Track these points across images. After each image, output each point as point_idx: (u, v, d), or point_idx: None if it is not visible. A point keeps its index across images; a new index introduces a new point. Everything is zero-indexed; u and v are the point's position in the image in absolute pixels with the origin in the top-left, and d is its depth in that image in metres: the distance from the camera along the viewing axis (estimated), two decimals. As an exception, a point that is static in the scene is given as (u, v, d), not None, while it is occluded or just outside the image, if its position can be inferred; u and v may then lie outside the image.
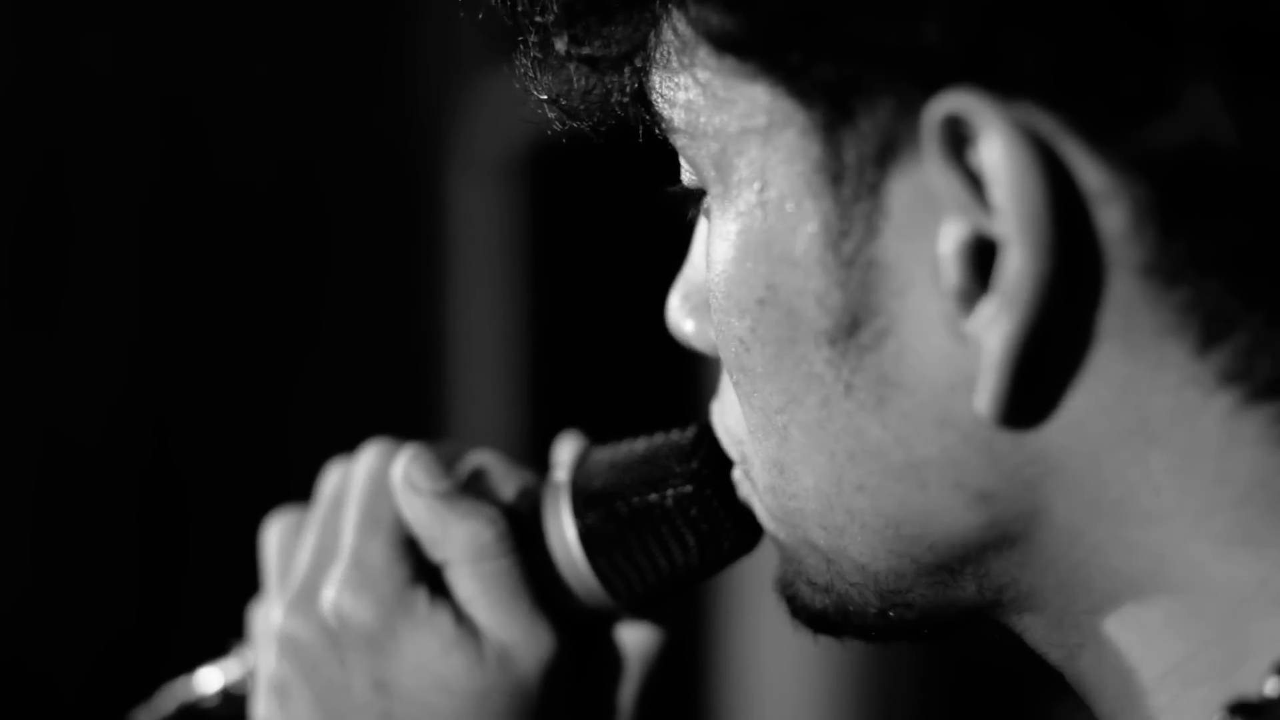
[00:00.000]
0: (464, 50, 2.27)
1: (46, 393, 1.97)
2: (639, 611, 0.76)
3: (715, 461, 0.69)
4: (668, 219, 0.68)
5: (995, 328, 0.51)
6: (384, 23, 2.25)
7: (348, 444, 0.80)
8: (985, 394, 0.52)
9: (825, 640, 0.65)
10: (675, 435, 0.72)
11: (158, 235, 2.06)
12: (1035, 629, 0.59)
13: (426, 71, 2.28)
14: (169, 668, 0.86)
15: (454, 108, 2.28)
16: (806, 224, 0.54)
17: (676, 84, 0.58)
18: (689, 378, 0.64)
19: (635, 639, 0.78)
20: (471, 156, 2.31)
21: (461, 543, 0.73)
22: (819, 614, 0.63)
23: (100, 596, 2.00)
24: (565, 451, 0.77)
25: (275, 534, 0.79)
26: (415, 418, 2.27)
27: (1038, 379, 0.52)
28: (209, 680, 0.83)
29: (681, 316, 0.68)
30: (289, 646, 0.74)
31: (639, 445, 0.73)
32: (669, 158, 0.63)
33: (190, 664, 0.85)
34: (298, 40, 2.18)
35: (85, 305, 2.00)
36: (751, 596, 2.12)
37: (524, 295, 2.34)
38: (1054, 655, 0.59)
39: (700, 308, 0.67)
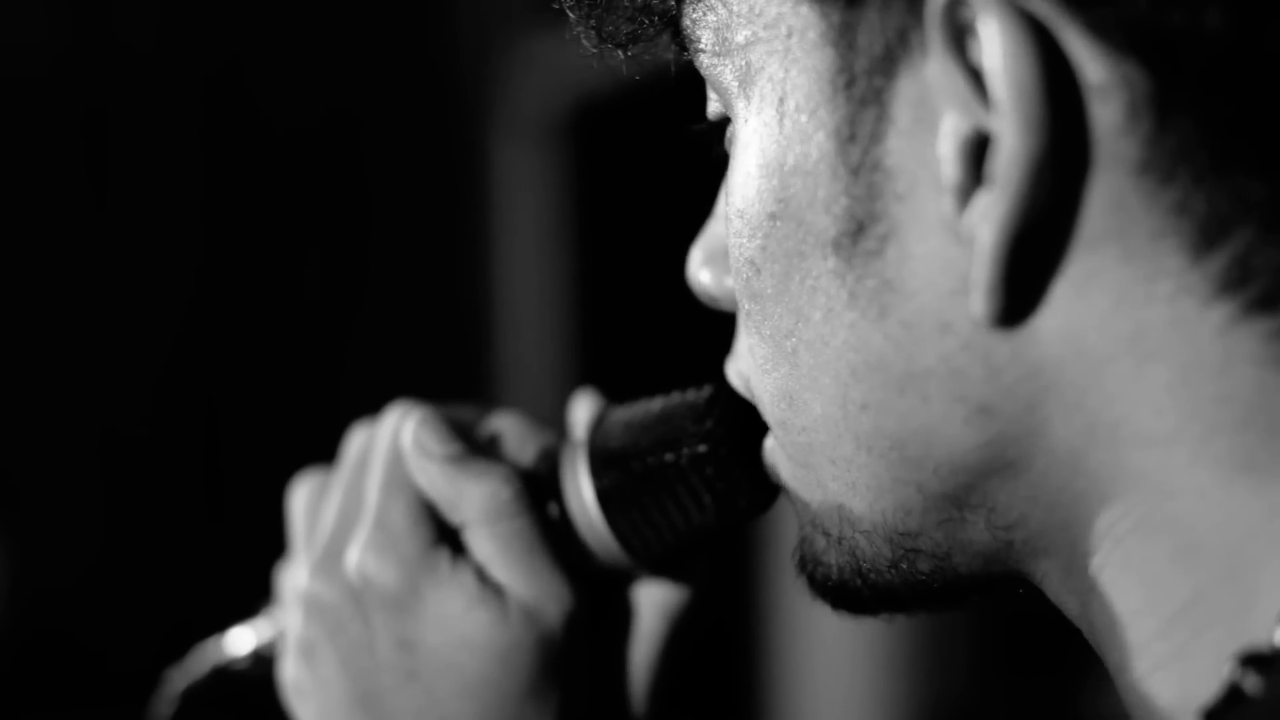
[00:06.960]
0: (507, 11, 2.26)
1: (101, 369, 1.99)
2: (659, 570, 0.76)
3: (730, 420, 0.70)
4: (701, 164, 0.68)
5: (988, 218, 0.51)
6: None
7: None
8: (979, 289, 0.52)
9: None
10: (690, 395, 0.72)
11: (199, 205, 2.07)
12: (1051, 576, 0.58)
13: (469, 33, 2.28)
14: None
15: (497, 70, 2.28)
16: (818, 133, 0.55)
17: (706, 5, 0.60)
18: (733, 338, 0.65)
19: (656, 597, 0.78)
20: (515, 118, 2.31)
21: (477, 504, 0.73)
22: (837, 583, 0.63)
23: (162, 574, 2.02)
24: (582, 411, 0.77)
25: (301, 496, 0.79)
26: (460, 381, 2.28)
27: (1031, 275, 0.52)
28: (240, 641, 0.84)
29: (698, 267, 0.69)
30: (315, 608, 0.75)
31: (655, 405, 0.73)
32: (699, 97, 0.65)
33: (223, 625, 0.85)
34: (341, 3, 2.19)
35: (134, 277, 2.01)
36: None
37: (568, 256, 2.34)
38: (1070, 606, 0.58)
39: (716, 257, 0.68)
